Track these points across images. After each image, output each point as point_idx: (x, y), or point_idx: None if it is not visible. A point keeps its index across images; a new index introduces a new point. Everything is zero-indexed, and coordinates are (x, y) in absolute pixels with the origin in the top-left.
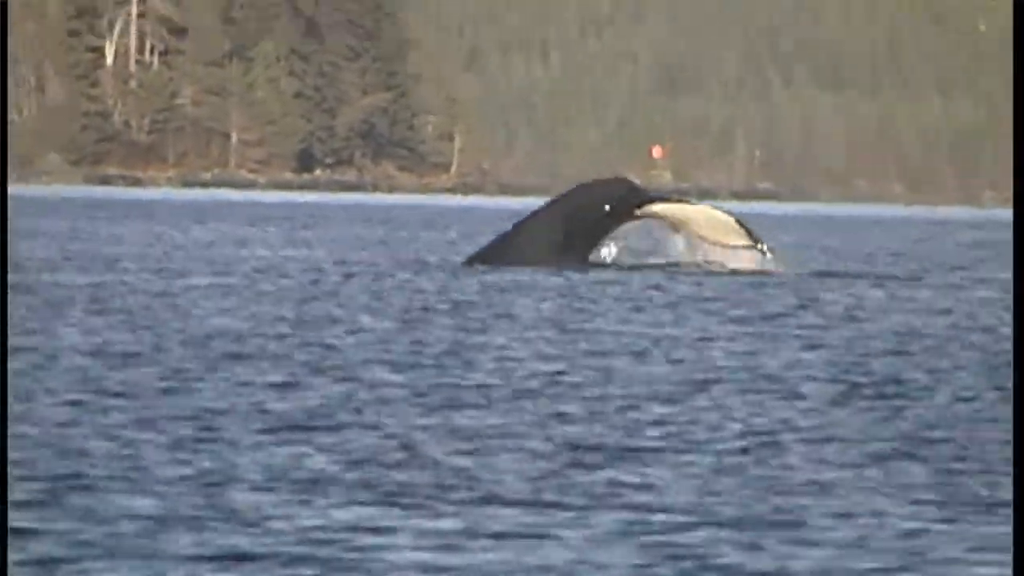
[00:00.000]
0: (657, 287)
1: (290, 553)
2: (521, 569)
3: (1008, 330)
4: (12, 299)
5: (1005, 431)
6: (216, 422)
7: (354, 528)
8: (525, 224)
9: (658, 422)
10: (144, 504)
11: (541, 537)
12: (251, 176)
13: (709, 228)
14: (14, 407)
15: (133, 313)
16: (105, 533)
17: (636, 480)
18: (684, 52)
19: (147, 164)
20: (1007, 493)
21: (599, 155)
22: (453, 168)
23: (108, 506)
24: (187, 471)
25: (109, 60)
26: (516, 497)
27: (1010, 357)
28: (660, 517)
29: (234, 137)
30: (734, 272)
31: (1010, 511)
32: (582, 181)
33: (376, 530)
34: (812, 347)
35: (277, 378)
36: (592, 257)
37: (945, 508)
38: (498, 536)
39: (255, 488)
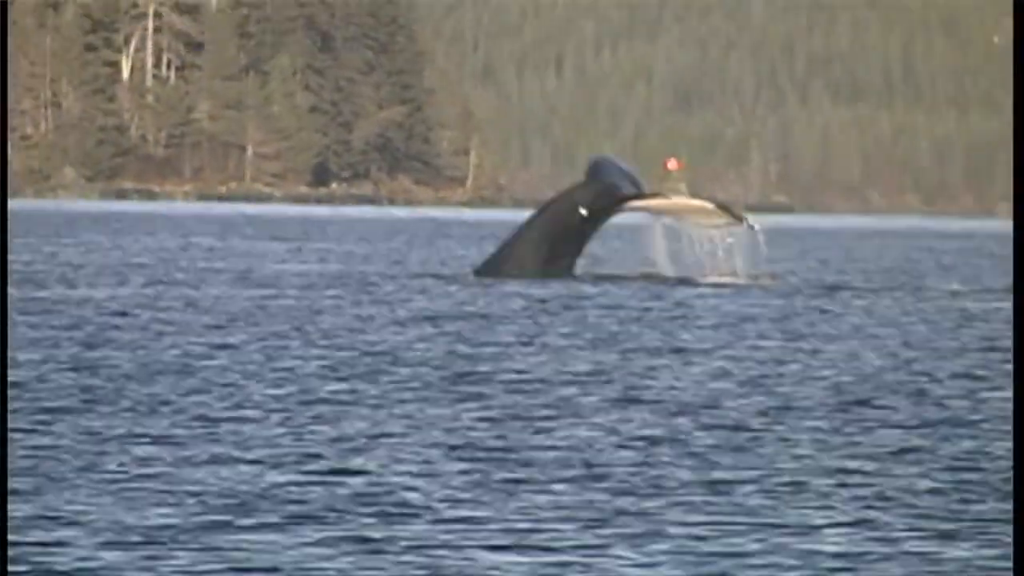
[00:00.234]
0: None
1: None
2: None
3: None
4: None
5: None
6: None
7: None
8: (516, 236)
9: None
10: None
11: None
12: (267, 190)
13: (692, 213)
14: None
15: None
16: None
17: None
18: (699, 67)
19: (163, 178)
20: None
21: None
22: (469, 182)
23: None
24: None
25: (125, 75)
26: None
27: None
28: None
29: (250, 151)
30: (717, 285)
31: (1010, 510)
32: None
33: None
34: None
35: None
36: (579, 264)
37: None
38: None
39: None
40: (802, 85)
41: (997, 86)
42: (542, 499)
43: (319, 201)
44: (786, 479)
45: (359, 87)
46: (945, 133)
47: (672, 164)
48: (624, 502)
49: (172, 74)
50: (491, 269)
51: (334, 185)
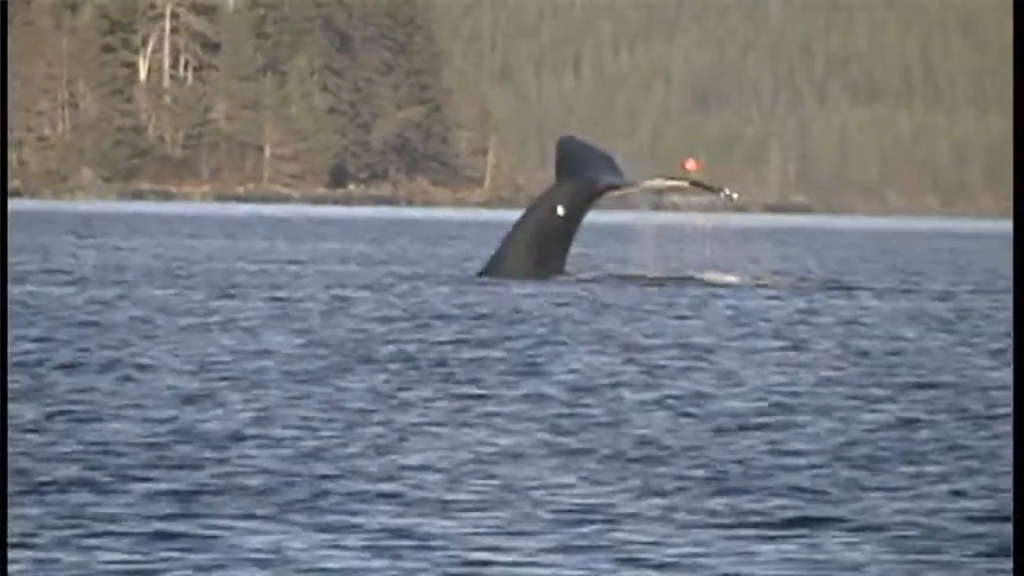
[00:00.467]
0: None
1: None
2: None
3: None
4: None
5: (994, 432)
6: None
7: None
8: (507, 239)
9: None
10: None
11: None
12: (285, 191)
13: (669, 192)
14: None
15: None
16: None
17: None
18: (717, 67)
19: (181, 179)
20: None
21: (632, 169)
22: (487, 182)
23: None
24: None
25: (143, 75)
26: None
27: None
28: None
29: (268, 152)
30: (708, 284)
31: (1010, 511)
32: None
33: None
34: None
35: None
36: (568, 264)
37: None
38: None
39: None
40: (820, 85)
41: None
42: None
43: (337, 202)
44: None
45: (377, 88)
46: (964, 133)
47: (690, 165)
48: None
49: (189, 75)
50: (491, 271)
51: (352, 186)
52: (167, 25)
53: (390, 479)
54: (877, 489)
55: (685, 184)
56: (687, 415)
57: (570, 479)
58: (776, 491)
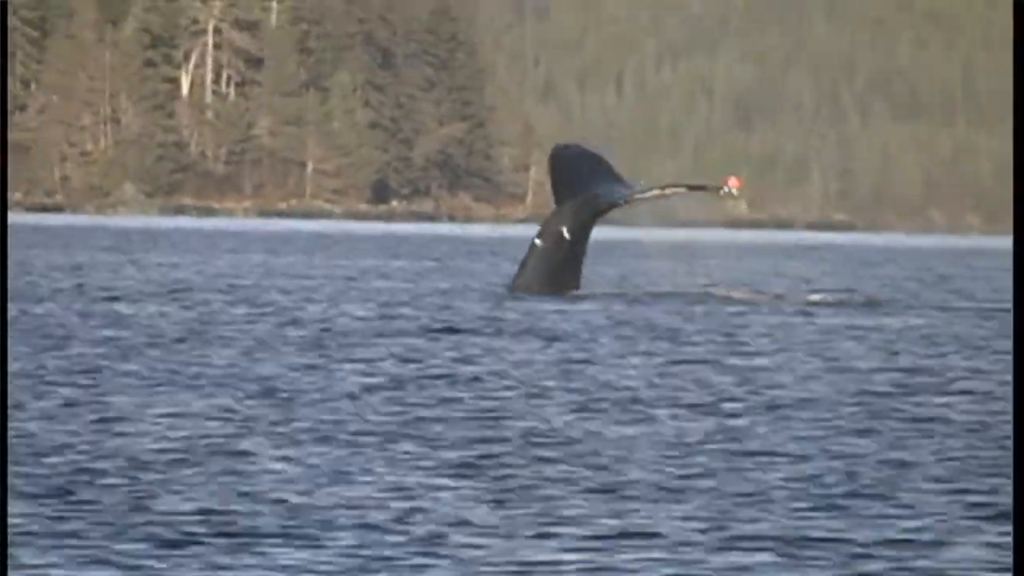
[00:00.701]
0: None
1: None
2: None
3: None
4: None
5: (1003, 433)
6: None
7: None
8: (525, 258)
9: None
10: None
11: None
12: (327, 207)
13: (673, 197)
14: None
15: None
16: None
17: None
18: (759, 84)
19: (223, 195)
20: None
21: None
22: (529, 198)
23: None
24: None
25: (185, 90)
26: None
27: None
28: None
29: (310, 167)
30: (727, 299)
31: (1010, 511)
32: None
33: None
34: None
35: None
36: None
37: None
38: None
39: None
40: (863, 103)
41: None
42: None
43: (379, 218)
44: None
45: (419, 104)
46: (1006, 152)
47: (732, 182)
48: None
49: (232, 90)
50: (515, 287)
51: (394, 202)
52: (210, 40)
53: None
54: None
55: (682, 189)
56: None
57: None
58: None
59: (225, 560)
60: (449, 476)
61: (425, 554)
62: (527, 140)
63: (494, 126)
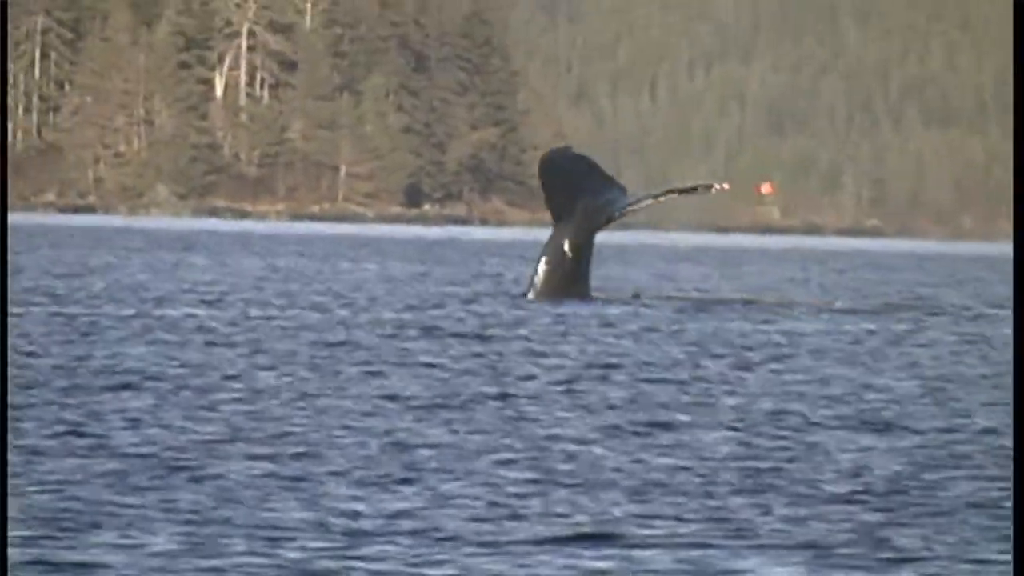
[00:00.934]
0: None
1: None
2: None
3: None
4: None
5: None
6: None
7: None
8: (533, 274)
9: None
10: None
11: None
12: (360, 210)
13: (666, 199)
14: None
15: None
16: None
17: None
18: (792, 90)
19: (256, 197)
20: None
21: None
22: None
23: None
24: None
25: (219, 93)
26: None
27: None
28: None
29: (343, 171)
30: (748, 302)
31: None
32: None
33: None
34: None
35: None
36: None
37: None
38: None
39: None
40: (896, 110)
41: None
42: None
43: (411, 221)
44: None
45: (452, 108)
46: None
47: (765, 188)
48: None
49: (266, 93)
50: (531, 292)
51: (427, 206)
52: (243, 43)
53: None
54: None
55: (675, 195)
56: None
57: None
58: None
59: None
60: None
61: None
62: (560, 145)
63: (527, 130)
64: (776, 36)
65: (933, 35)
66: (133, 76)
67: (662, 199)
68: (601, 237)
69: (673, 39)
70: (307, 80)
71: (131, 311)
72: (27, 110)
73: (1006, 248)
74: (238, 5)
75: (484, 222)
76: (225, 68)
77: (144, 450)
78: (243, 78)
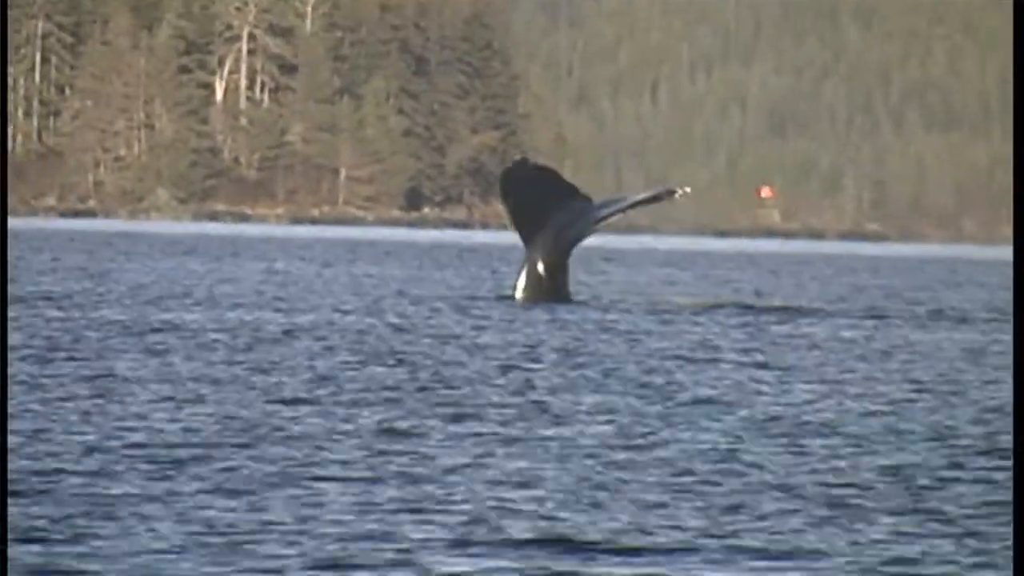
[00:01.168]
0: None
1: None
2: None
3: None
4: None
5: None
6: None
7: None
8: (513, 292)
9: None
10: None
11: None
12: (360, 213)
13: (626, 207)
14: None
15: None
16: None
17: None
18: (793, 93)
19: (256, 201)
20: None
21: (708, 195)
22: None
23: None
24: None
25: (219, 97)
26: None
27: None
28: None
29: (343, 174)
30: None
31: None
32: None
33: None
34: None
35: None
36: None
37: None
38: None
39: None
40: (897, 113)
41: None
42: None
43: (411, 225)
44: None
45: (453, 111)
46: None
47: (766, 192)
48: None
49: (266, 96)
50: (513, 293)
51: (427, 209)
52: (244, 47)
53: None
54: None
55: (639, 205)
56: None
57: None
58: None
59: None
60: None
61: None
62: (560, 149)
63: (527, 134)
64: (777, 39)
65: (934, 38)
66: (133, 80)
67: (628, 211)
68: (601, 238)
69: (674, 42)
70: (307, 84)
71: (129, 315)
72: (27, 114)
73: (1006, 251)
74: (238, 9)
75: (485, 225)
76: (225, 72)
77: (136, 452)
78: (243, 82)
